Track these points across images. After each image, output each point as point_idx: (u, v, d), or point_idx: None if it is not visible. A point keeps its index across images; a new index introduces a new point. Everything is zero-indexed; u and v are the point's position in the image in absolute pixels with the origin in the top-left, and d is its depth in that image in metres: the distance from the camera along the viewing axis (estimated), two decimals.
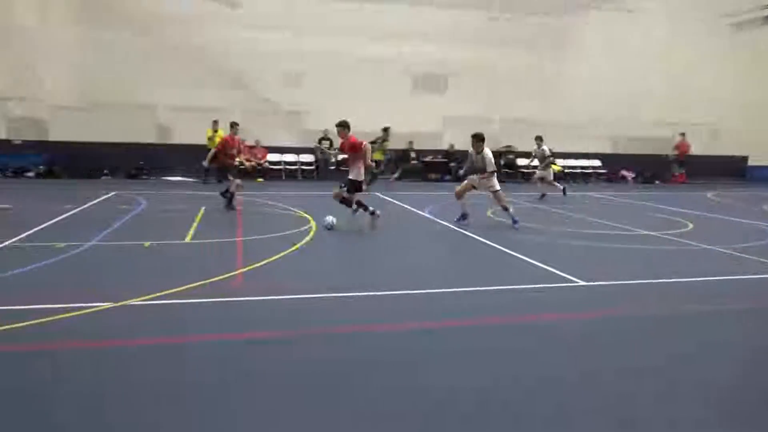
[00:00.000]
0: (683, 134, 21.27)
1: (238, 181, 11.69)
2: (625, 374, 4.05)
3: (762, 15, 22.37)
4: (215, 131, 16.95)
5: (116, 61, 18.22)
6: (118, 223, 9.50)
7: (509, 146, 21.51)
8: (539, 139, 15.48)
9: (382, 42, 19.74)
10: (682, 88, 22.18)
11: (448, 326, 5.00)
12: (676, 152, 21.65)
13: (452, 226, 10.01)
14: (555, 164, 21.76)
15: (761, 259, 7.98)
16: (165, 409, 3.36)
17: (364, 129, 19.86)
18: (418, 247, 8.97)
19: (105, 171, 18.16)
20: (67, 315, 4.81)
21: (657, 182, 22.25)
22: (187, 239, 8.47)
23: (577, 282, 6.48)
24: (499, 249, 8.30)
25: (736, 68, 22.85)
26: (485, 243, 8.74)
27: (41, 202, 11.90)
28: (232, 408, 3.37)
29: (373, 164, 16.29)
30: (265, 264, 6.92)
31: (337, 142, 19.56)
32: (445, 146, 20.69)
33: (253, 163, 18.95)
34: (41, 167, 17.64)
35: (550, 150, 15.30)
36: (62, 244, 7.55)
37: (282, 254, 7.48)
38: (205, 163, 12.14)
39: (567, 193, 15.46)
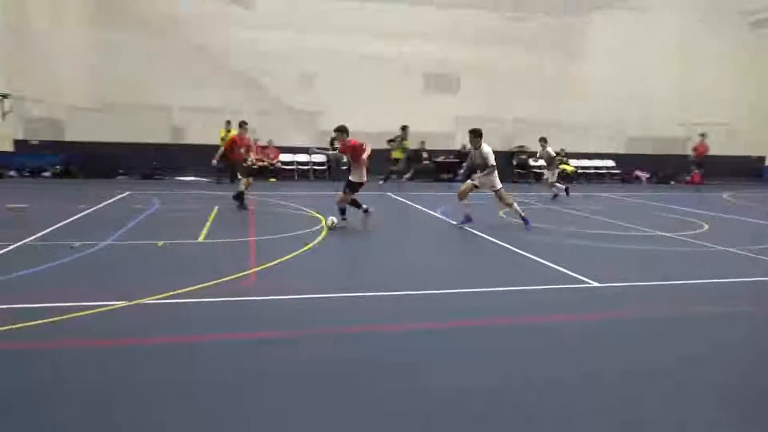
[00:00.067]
0: (703, 135, 20.95)
1: (246, 180, 11.77)
2: (634, 375, 4.02)
3: None
4: (228, 131, 17.07)
5: (131, 63, 18.44)
6: (132, 223, 9.60)
7: (522, 146, 21.42)
8: (544, 141, 15.41)
9: (395, 42, 19.77)
10: (698, 88, 21.96)
11: (457, 327, 5.00)
12: (694, 153, 21.39)
13: (465, 227, 9.97)
14: (568, 164, 21.69)
15: None
16: (176, 408, 3.40)
17: (378, 129, 19.98)
18: (430, 247, 8.97)
19: (120, 171, 18.37)
20: (82, 314, 4.88)
21: (672, 182, 22.04)
22: (200, 239, 8.55)
23: (589, 283, 6.45)
24: (510, 249, 8.27)
25: (753, 67, 22.60)
26: (496, 243, 8.72)
27: (57, 201, 12.07)
28: (243, 407, 3.40)
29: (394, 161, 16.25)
30: (277, 264, 6.96)
31: None
32: (457, 146, 20.65)
33: (265, 163, 19.07)
34: (57, 167, 17.88)
35: (557, 151, 15.22)
36: (77, 244, 7.65)
37: (294, 254, 7.52)
38: (214, 161, 12.19)
39: (570, 193, 15.31)
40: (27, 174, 17.52)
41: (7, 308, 4.98)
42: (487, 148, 9.96)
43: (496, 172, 10.01)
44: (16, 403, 3.38)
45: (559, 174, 15.97)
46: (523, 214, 10.01)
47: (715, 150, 21.28)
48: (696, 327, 5.22)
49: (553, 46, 21.33)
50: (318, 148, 11.96)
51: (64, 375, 3.80)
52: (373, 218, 9.85)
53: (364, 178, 9.71)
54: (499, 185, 10.08)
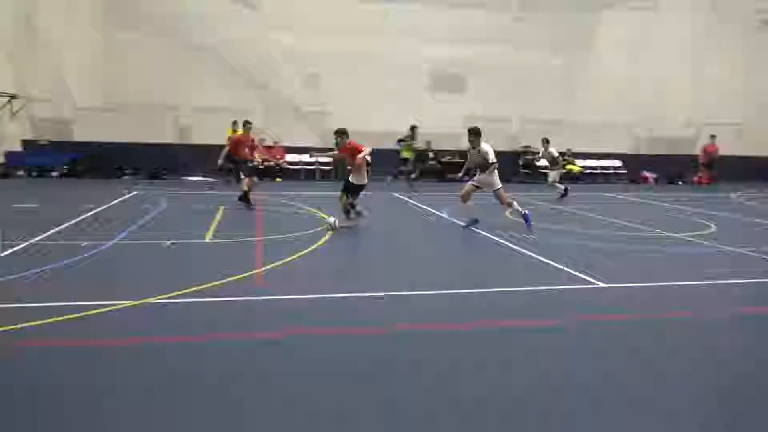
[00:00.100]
0: (713, 137, 20.70)
1: (251, 179, 11.81)
2: (651, 377, 3.99)
3: None
4: (235, 131, 17.09)
5: (139, 63, 18.53)
6: (139, 223, 9.63)
7: (528, 146, 21.35)
8: (546, 141, 15.35)
9: (402, 42, 19.75)
10: (706, 88, 21.84)
11: (465, 328, 4.98)
12: (703, 153, 21.18)
13: (471, 228, 9.94)
14: (575, 164, 21.61)
15: None
16: (182, 407, 3.39)
17: (385, 129, 19.96)
18: (435, 248, 8.95)
19: (127, 171, 18.45)
20: (88, 313, 4.89)
21: (680, 183, 21.92)
22: (207, 239, 8.56)
23: (596, 284, 6.42)
24: (516, 250, 8.24)
25: (764, 67, 22.44)
26: (502, 244, 8.69)
27: (65, 201, 12.12)
28: (249, 408, 3.40)
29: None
30: (283, 263, 6.96)
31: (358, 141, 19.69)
32: (464, 147, 20.54)
33: (271, 163, 19.11)
34: (65, 167, 17.96)
35: (562, 151, 15.16)
36: (84, 243, 7.68)
37: (301, 254, 7.52)
38: (220, 161, 12.22)
39: (568, 193, 15.19)
40: (35, 174, 17.61)
41: (15, 307, 5.00)
42: (486, 146, 9.90)
43: (496, 171, 9.95)
44: (25, 401, 3.39)
45: (560, 175, 15.86)
46: (523, 212, 9.90)
47: (725, 150, 21.15)
48: (709, 329, 5.18)
49: (561, 46, 21.24)
50: (318, 152, 11.85)
51: (68, 374, 3.80)
52: (379, 219, 9.85)
53: (365, 180, 9.63)
54: (498, 185, 9.97)
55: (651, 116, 22.21)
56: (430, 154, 20.27)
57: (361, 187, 9.65)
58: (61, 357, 4.07)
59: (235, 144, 11.94)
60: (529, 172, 20.94)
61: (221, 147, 12.48)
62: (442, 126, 20.23)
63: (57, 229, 8.74)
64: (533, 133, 20.93)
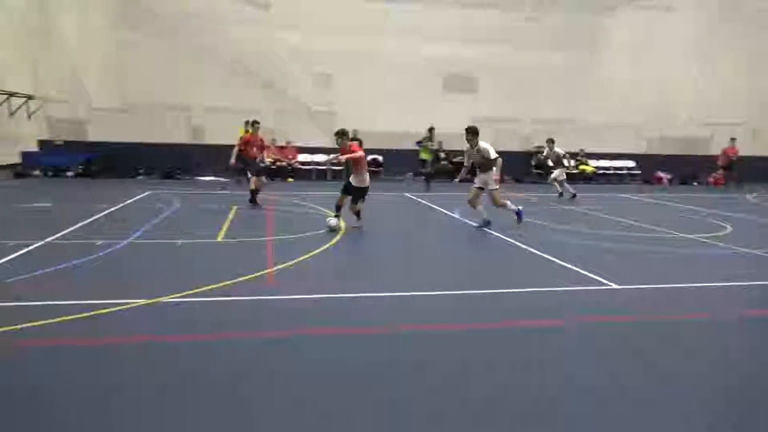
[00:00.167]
0: (733, 139, 20.37)
1: (257, 178, 11.88)
2: (662, 379, 3.95)
3: None
4: (247, 131, 17.18)
5: (152, 64, 18.70)
6: (152, 222, 9.71)
7: (540, 147, 21.22)
8: (551, 141, 15.29)
9: (413, 42, 19.74)
10: (719, 87, 21.60)
11: (476, 329, 4.97)
12: (723, 155, 20.86)
13: (483, 228, 9.90)
14: (588, 165, 21.47)
15: None
16: (192, 406, 3.41)
17: (396, 129, 19.99)
18: (448, 248, 8.93)
19: (141, 171, 18.62)
20: (101, 311, 4.94)
21: (694, 184, 21.69)
22: (219, 238, 8.61)
23: (609, 285, 6.37)
24: (528, 250, 8.20)
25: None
26: (514, 245, 8.65)
27: (79, 200, 12.25)
28: (258, 406, 3.42)
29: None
30: (295, 263, 6.98)
31: (368, 141, 19.74)
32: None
33: (283, 163, 19.18)
34: (80, 167, 18.16)
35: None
36: (99, 242, 7.76)
37: (312, 254, 7.54)
38: (232, 161, 12.29)
39: (563, 196, 15.06)
40: (51, 173, 17.82)
41: (29, 306, 5.06)
42: (485, 144, 9.89)
43: (494, 169, 9.90)
44: (34, 400, 3.43)
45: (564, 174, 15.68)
46: (516, 209, 9.91)
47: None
48: (723, 331, 5.12)
49: (573, 46, 21.12)
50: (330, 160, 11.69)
51: (78, 373, 3.83)
52: (390, 219, 9.84)
53: (366, 183, 9.55)
54: (495, 185, 9.94)
55: (664, 116, 22.02)
56: (442, 155, 20.24)
57: (363, 190, 9.54)
58: (71, 356, 4.10)
59: (245, 144, 12.05)
60: (542, 172, 20.80)
61: (233, 147, 12.56)
62: (454, 126, 20.12)
63: (72, 228, 8.84)
64: (545, 134, 20.83)
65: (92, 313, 4.88)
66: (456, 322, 5.16)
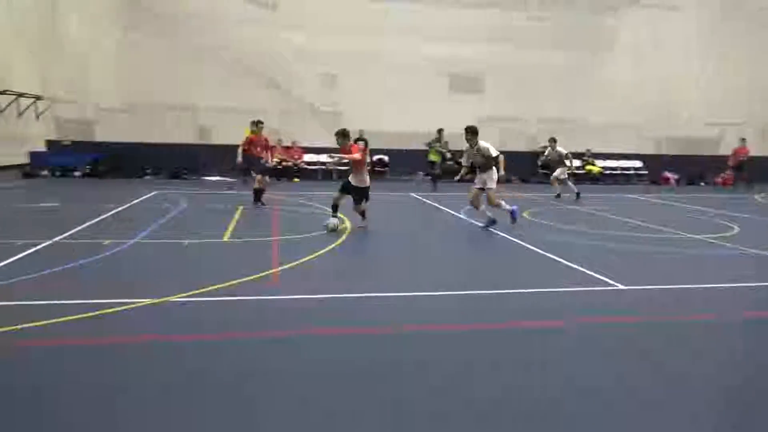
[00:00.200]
0: (743, 139, 20.24)
1: (259, 177, 11.92)
2: (668, 380, 3.94)
3: None
4: (253, 132, 17.22)
5: (158, 64, 18.79)
6: (159, 222, 9.75)
7: (546, 146, 21.18)
8: (553, 141, 15.22)
9: (419, 42, 19.74)
10: (727, 87, 21.48)
11: (483, 329, 4.96)
12: (733, 156, 20.74)
13: (489, 228, 9.89)
14: (594, 165, 21.38)
15: None
16: (197, 405, 3.43)
17: (402, 129, 19.99)
18: (454, 248, 8.92)
19: (148, 171, 18.70)
20: (108, 311, 4.97)
21: (702, 184, 21.58)
22: (225, 238, 8.64)
23: (615, 285, 6.34)
24: (534, 251, 8.17)
25: None
26: (521, 245, 8.63)
27: (87, 200, 12.32)
28: (262, 406, 3.42)
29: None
30: (300, 263, 6.99)
31: (374, 142, 19.76)
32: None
33: (289, 163, 19.22)
34: (87, 167, 18.26)
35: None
36: (106, 242, 7.80)
37: (317, 254, 7.55)
38: (239, 159, 12.30)
39: (565, 196, 15.01)
40: (58, 173, 17.93)
41: (36, 305, 5.09)
42: (485, 143, 9.89)
43: (494, 170, 9.89)
44: (38, 400, 3.45)
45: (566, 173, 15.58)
46: (510, 209, 9.92)
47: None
48: (730, 332, 5.09)
49: (579, 45, 21.07)
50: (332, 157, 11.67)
51: (83, 372, 3.85)
52: (396, 219, 9.84)
53: (367, 183, 9.51)
54: (492, 185, 9.92)
55: (669, 116, 21.90)
56: (448, 155, 20.20)
57: (363, 190, 9.49)
58: (76, 355, 4.12)
59: (249, 144, 12.09)
60: (548, 172, 20.73)
61: (239, 147, 12.59)
62: (460, 127, 20.12)
63: (79, 228, 8.89)
64: (552, 134, 20.78)
65: (98, 312, 4.91)
66: (460, 322, 5.15)
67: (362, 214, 9.61)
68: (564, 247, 8.36)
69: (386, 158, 20.56)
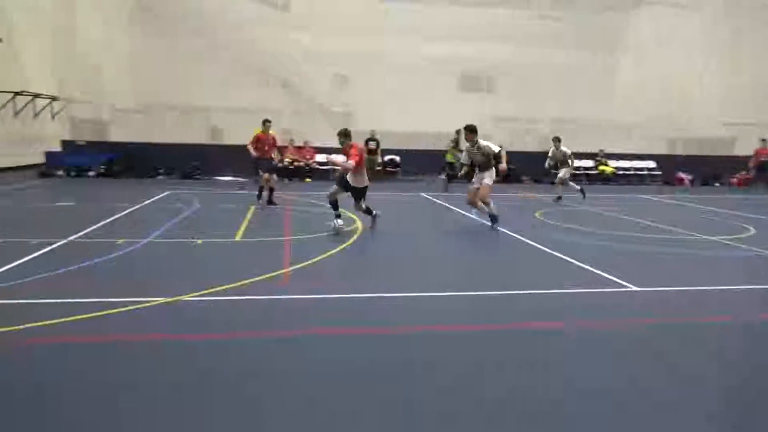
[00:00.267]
0: (764, 140, 19.89)
1: (267, 175, 11.97)
2: (682, 382, 3.90)
3: None
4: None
5: (172, 65, 18.94)
6: (172, 221, 9.83)
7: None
8: (557, 140, 14.95)
9: (429, 43, 19.71)
10: (741, 86, 21.20)
11: (492, 330, 4.95)
12: (755, 157, 20.37)
13: (498, 228, 9.85)
14: (607, 165, 21.22)
15: None
16: (207, 404, 3.45)
17: (412, 129, 19.97)
18: (463, 249, 8.91)
19: (161, 171, 18.85)
20: (122, 309, 5.02)
21: (716, 185, 21.34)
22: (237, 237, 8.69)
23: (628, 287, 6.29)
24: (544, 251, 8.13)
25: None
26: (531, 245, 8.59)
27: (101, 200, 12.44)
28: (269, 406, 3.44)
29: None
30: (312, 263, 7.02)
31: (385, 142, 19.75)
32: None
33: (301, 163, 19.28)
34: (102, 167, 18.44)
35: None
36: (120, 241, 7.88)
37: (329, 253, 7.57)
38: (254, 154, 12.25)
39: (563, 198, 14.82)
40: (73, 173, 18.12)
41: (50, 302, 5.15)
42: (485, 142, 9.89)
43: (494, 170, 9.87)
44: (43, 398, 3.49)
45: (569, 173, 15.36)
46: (495, 214, 9.86)
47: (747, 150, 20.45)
48: (746, 334, 5.03)
49: (591, 45, 20.91)
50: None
51: (95, 370, 3.89)
52: (407, 220, 9.83)
53: (365, 182, 9.45)
54: (489, 182, 9.88)
55: (684, 116, 21.67)
56: (457, 155, 20.16)
57: (362, 190, 9.44)
58: (86, 354, 4.16)
59: (256, 141, 12.15)
60: (557, 172, 20.63)
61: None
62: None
63: (94, 227, 8.98)
64: (563, 134, 20.65)
65: (111, 311, 4.96)
66: (470, 322, 5.14)
67: (367, 211, 9.56)
68: (575, 248, 8.30)
69: (397, 158, 20.55)
